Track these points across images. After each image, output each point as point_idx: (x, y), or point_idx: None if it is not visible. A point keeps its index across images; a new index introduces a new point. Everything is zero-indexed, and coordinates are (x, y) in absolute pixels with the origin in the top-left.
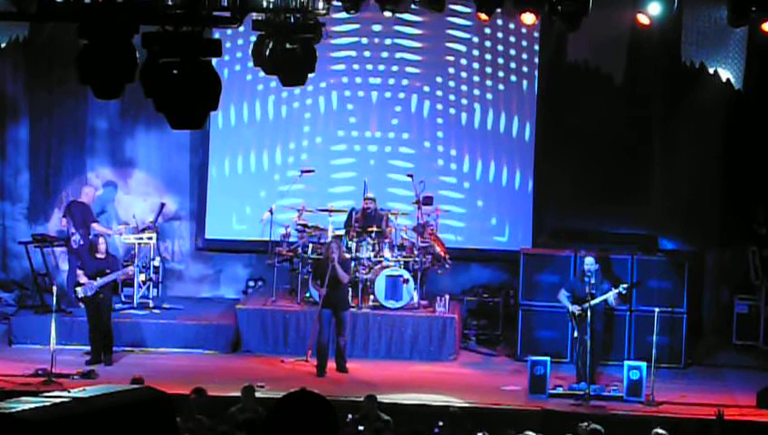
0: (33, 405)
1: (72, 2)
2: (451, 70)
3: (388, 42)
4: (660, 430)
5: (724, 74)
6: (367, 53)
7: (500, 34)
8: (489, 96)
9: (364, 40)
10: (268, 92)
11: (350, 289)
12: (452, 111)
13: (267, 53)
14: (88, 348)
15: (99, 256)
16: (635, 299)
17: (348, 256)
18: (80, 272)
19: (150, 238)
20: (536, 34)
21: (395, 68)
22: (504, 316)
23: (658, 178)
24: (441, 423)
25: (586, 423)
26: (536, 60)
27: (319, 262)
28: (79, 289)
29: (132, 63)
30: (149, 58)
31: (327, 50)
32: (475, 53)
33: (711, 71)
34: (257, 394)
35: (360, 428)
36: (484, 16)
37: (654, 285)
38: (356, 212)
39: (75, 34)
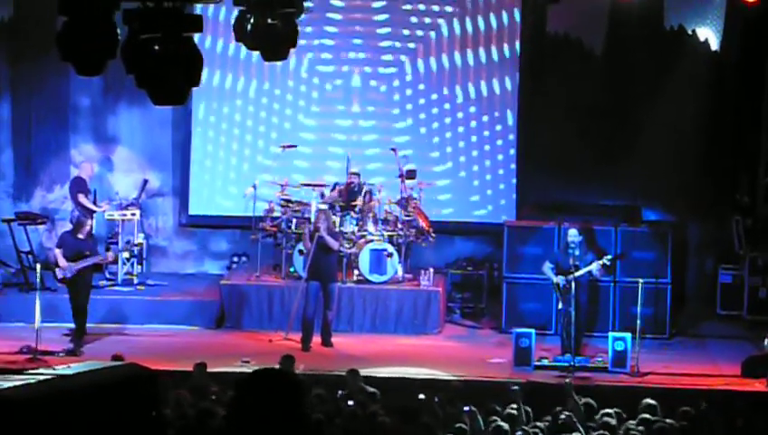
0: (17, 383)
1: None
2: (432, 42)
3: (368, 16)
4: (650, 401)
5: (703, 34)
6: (348, 28)
7: (481, 5)
8: (471, 69)
9: (345, 15)
10: (250, 67)
11: (335, 262)
12: (434, 83)
13: (249, 28)
14: (72, 326)
15: (80, 236)
16: (619, 270)
17: (336, 229)
18: (57, 251)
19: (134, 215)
20: (517, 6)
21: (376, 42)
22: (489, 289)
23: (641, 148)
24: (436, 399)
25: (569, 379)
26: (518, 31)
27: (309, 232)
28: (58, 271)
29: (113, 40)
30: (131, 34)
31: (308, 25)
32: (456, 24)
33: (689, 31)
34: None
35: (350, 402)
36: None
37: (638, 256)
38: (340, 187)
39: (56, 11)
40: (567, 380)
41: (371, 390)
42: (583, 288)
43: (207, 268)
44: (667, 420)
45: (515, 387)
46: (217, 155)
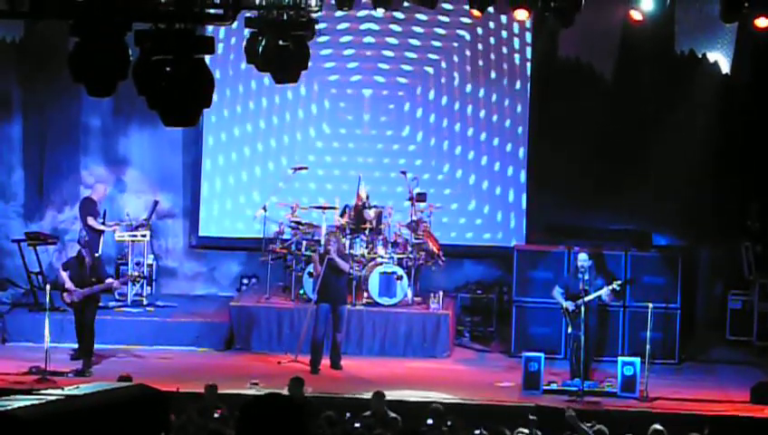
0: (26, 403)
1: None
2: (443, 67)
3: (380, 39)
4: (659, 427)
5: (714, 57)
6: (360, 51)
7: (492, 30)
8: (481, 93)
9: (357, 38)
10: (261, 90)
11: (345, 285)
12: (444, 107)
13: (260, 50)
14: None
15: (85, 266)
16: (628, 295)
17: (346, 251)
18: (64, 274)
19: (144, 236)
20: (528, 32)
21: (387, 66)
22: (498, 313)
23: (651, 173)
24: (448, 423)
25: (571, 411)
26: (528, 56)
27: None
28: (65, 294)
29: (125, 61)
30: (142, 55)
31: (320, 47)
32: (467, 49)
33: (700, 55)
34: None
35: (357, 425)
36: (476, 13)
37: (647, 281)
38: (349, 209)
39: (68, 32)
40: (569, 412)
41: (393, 415)
42: (593, 313)
43: (217, 290)
44: None
45: (532, 417)
46: (228, 176)
